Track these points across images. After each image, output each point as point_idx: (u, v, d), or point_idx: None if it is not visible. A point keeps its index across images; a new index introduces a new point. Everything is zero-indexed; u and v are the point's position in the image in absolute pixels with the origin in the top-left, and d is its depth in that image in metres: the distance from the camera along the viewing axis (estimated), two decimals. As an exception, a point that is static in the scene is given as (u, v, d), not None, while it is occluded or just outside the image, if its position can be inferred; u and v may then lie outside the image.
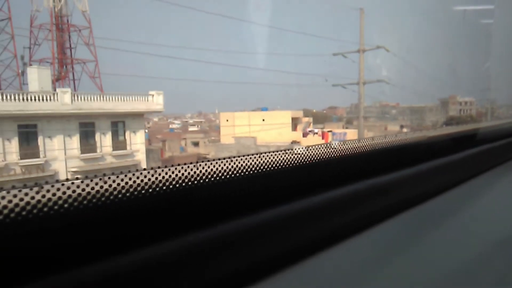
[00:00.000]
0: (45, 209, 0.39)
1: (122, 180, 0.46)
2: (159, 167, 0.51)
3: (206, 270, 0.49)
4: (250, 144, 24.99)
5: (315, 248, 0.63)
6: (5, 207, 0.37)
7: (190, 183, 0.52)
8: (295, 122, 29.54)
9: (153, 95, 16.76)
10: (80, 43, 20.77)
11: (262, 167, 0.63)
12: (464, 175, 1.19)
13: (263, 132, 27.19)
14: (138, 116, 16.80)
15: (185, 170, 0.52)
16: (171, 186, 0.50)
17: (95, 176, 0.44)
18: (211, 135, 36.02)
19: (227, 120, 30.38)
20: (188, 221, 0.51)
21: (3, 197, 0.37)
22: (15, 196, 0.38)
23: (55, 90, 15.03)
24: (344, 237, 0.69)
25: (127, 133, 16.44)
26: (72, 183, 0.42)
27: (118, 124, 16.22)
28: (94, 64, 22.10)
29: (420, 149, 1.13)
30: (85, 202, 0.42)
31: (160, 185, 0.49)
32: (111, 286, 0.41)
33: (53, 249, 0.40)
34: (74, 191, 0.42)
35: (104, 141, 15.80)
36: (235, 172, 0.58)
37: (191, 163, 0.53)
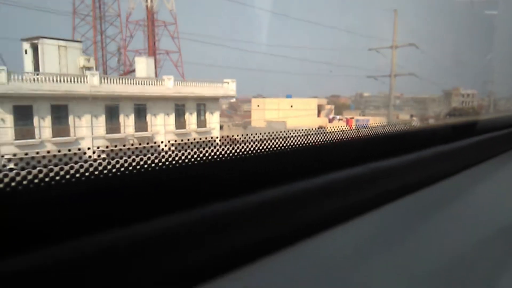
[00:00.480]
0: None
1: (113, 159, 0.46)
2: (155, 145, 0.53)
3: (206, 245, 0.50)
4: (281, 128, 28.04)
5: (316, 229, 0.63)
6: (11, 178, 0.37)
7: (187, 162, 0.53)
8: (318, 109, 33.13)
9: (228, 82, 20.10)
10: (165, 34, 24.26)
11: (259, 151, 0.62)
12: (466, 162, 1.19)
13: (291, 117, 30.36)
14: (215, 99, 20.13)
15: (186, 151, 0.53)
16: (174, 164, 0.52)
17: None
18: (234, 119, 39.22)
19: (258, 106, 33.70)
20: (185, 200, 0.51)
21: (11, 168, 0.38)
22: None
23: (156, 76, 18.36)
24: (345, 219, 0.69)
25: (206, 114, 19.79)
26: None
27: (201, 106, 19.53)
28: (178, 55, 25.50)
29: (422, 136, 1.16)
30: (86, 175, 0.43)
31: (174, 159, 0.51)
32: (107, 258, 0.41)
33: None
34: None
35: (191, 119, 19.10)
36: (229, 154, 0.58)
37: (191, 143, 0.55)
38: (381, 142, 0.94)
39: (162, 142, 0.54)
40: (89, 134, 15.40)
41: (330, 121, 30.54)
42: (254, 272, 0.51)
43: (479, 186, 1.13)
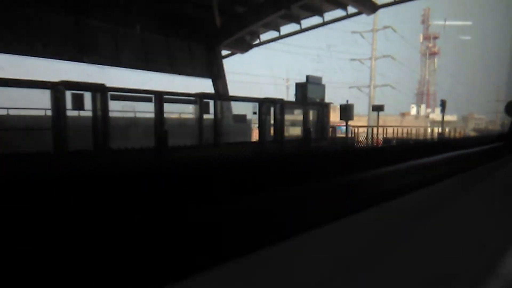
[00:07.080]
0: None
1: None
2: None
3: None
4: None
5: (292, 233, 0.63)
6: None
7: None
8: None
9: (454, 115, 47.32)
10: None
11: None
12: (439, 176, 1.23)
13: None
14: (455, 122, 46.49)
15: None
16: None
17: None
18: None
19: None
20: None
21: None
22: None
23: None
24: (324, 223, 0.69)
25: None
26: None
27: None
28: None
29: (403, 151, 1.26)
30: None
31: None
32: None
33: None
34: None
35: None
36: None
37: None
38: (370, 154, 1.08)
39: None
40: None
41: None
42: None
43: (451, 197, 1.18)
